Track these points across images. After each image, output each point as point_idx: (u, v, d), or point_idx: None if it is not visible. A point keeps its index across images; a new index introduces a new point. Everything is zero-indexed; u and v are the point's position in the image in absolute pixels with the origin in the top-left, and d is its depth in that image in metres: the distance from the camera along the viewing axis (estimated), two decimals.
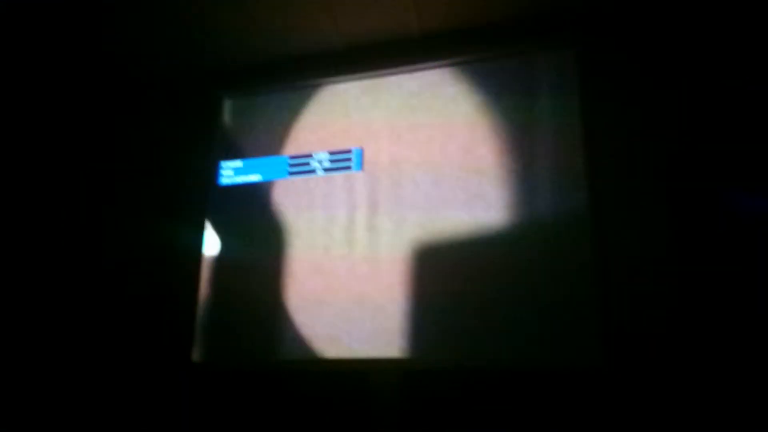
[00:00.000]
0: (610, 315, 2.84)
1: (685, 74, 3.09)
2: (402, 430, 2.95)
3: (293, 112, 3.63)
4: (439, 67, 3.42)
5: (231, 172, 3.64)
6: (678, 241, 2.91)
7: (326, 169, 3.46)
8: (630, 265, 2.92)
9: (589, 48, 3.23)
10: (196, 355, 3.36)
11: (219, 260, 3.51)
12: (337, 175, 3.43)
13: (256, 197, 3.55)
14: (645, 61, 3.17)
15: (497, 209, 3.12)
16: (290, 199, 3.48)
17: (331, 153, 3.47)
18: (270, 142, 3.62)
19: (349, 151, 3.45)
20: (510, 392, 2.88)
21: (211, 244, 3.54)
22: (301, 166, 3.52)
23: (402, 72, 3.48)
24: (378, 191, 3.34)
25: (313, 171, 3.49)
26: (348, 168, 3.43)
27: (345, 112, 3.53)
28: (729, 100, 3.03)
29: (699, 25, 3.15)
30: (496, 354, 2.93)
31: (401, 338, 3.06)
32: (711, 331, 2.77)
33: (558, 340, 2.87)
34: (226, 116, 3.78)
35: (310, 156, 3.51)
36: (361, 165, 3.41)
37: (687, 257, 2.89)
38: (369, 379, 3.06)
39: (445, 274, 3.10)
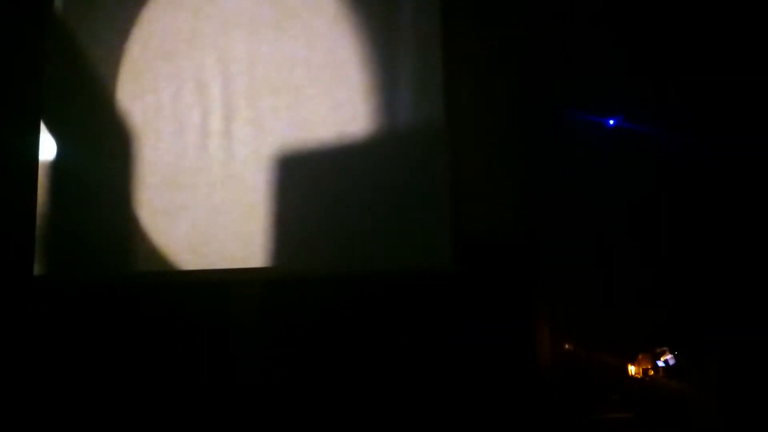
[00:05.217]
0: (460, 220, 3.02)
1: None
2: (264, 339, 3.01)
3: (137, 4, 3.25)
4: None
5: None
6: (526, 151, 3.13)
7: None
8: (481, 172, 3.10)
9: None
10: (37, 268, 3.12)
11: (58, 167, 3.20)
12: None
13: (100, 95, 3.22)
14: None
15: (358, 118, 3.10)
16: (135, 100, 3.19)
17: None
18: (109, 35, 3.24)
19: None
20: (368, 297, 3.01)
21: (48, 148, 3.21)
22: None
23: None
24: (234, 95, 3.16)
25: None
26: None
27: (197, 6, 3.23)
28: (585, 23, 3.20)
29: None
30: (354, 260, 3.03)
31: (262, 248, 3.04)
32: (555, 236, 3.07)
33: (413, 246, 3.01)
34: (58, 4, 3.31)
35: None
36: None
37: (533, 166, 3.13)
38: (230, 290, 3.05)
39: (306, 183, 3.09)
